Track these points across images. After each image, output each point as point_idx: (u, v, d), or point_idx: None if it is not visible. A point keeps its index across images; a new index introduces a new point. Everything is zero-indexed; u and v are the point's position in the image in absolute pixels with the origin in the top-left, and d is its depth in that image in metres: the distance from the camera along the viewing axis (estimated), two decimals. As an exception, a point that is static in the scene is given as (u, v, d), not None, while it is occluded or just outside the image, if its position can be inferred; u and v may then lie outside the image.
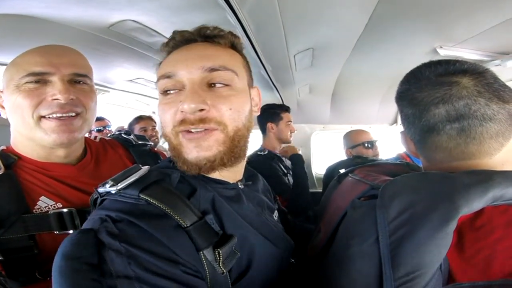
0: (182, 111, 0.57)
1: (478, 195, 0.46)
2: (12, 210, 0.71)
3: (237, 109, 0.60)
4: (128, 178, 0.56)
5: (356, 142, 2.33)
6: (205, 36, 0.63)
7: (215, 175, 0.65)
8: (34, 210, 0.75)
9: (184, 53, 0.61)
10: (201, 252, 0.51)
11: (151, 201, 0.51)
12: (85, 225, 0.50)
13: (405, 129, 0.68)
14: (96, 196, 0.57)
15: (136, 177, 0.56)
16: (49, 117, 0.77)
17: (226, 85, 0.59)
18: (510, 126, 0.56)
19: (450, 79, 0.57)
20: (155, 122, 2.65)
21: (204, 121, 0.57)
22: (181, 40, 0.63)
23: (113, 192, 0.54)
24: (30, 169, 0.80)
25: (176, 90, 0.59)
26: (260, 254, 0.62)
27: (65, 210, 0.77)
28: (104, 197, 0.56)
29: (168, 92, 0.60)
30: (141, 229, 0.48)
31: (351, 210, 0.63)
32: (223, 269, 0.52)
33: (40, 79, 0.76)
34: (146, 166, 0.61)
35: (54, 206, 0.77)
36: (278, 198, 0.98)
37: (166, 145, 3.10)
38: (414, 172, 0.72)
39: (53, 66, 0.76)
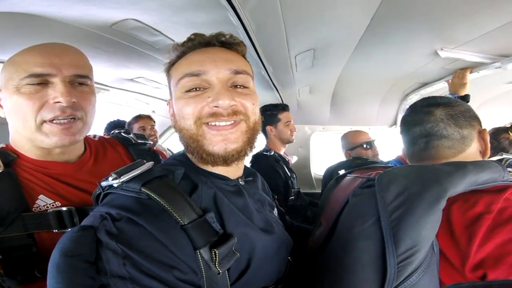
0: (215, 106, 0.62)
1: (459, 179, 0.58)
2: (11, 209, 0.71)
3: (256, 105, 0.69)
4: (132, 172, 0.58)
5: (355, 143, 2.33)
6: (222, 42, 0.69)
7: (219, 170, 0.69)
8: (33, 209, 0.75)
9: (209, 55, 0.66)
10: (198, 251, 0.52)
11: (152, 195, 0.53)
12: (86, 221, 0.51)
13: (403, 142, 0.93)
14: (98, 192, 0.59)
15: (140, 171, 0.58)
16: (51, 122, 0.76)
17: (246, 87, 0.68)
18: (462, 144, 0.79)
19: (427, 109, 0.84)
20: (154, 122, 2.64)
21: (236, 113, 0.64)
22: (200, 42, 0.69)
23: (115, 185, 0.56)
24: (29, 168, 0.80)
25: (201, 88, 0.64)
26: (260, 251, 0.63)
27: (64, 208, 0.77)
28: (107, 191, 0.58)
29: (192, 89, 0.65)
30: (140, 227, 0.49)
31: (353, 198, 0.72)
32: (219, 269, 0.52)
33: (41, 81, 0.75)
34: (150, 162, 0.63)
35: (53, 205, 0.77)
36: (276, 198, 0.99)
37: (165, 145, 3.12)
38: None
39: (54, 67, 0.75)
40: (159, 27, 1.07)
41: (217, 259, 0.52)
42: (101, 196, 0.59)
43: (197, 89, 0.64)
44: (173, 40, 1.18)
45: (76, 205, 0.79)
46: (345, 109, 3.05)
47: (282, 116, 2.22)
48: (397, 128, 3.06)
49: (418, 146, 0.84)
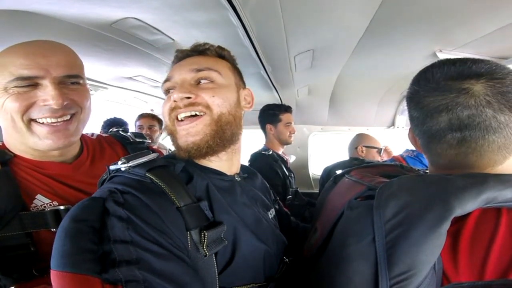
0: (174, 100, 0.70)
1: (472, 197, 0.46)
2: (8, 208, 0.70)
3: (220, 97, 0.71)
4: (139, 159, 0.65)
5: (375, 145, 2.43)
6: (198, 51, 0.78)
7: (212, 164, 0.74)
8: (30, 208, 0.75)
9: (181, 63, 0.76)
10: (189, 232, 0.58)
11: (155, 180, 0.60)
12: (96, 194, 0.58)
13: (412, 128, 0.67)
14: (105, 177, 0.65)
15: (146, 159, 0.65)
16: (40, 122, 0.75)
17: (211, 81, 0.72)
18: None
19: (460, 85, 0.54)
20: (157, 121, 2.63)
21: (193, 105, 0.69)
22: (181, 56, 0.79)
23: (123, 169, 0.62)
24: (26, 167, 0.79)
25: (173, 89, 0.73)
26: (245, 245, 0.66)
27: (62, 207, 0.76)
28: (114, 174, 0.63)
29: (168, 91, 0.75)
30: (143, 202, 0.55)
31: (348, 210, 0.63)
32: (206, 251, 0.57)
33: (30, 83, 0.72)
34: (155, 153, 0.70)
35: (50, 205, 0.77)
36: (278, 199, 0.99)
37: (165, 142, 3.09)
38: (409, 173, 0.74)
39: (41, 68, 0.72)
40: (159, 26, 1.07)
41: (205, 241, 0.57)
42: (108, 178, 0.64)
43: (169, 90, 0.74)
44: (173, 39, 1.18)
45: (73, 204, 0.77)
46: (344, 110, 3.07)
47: (283, 117, 2.23)
48: (395, 129, 3.09)
49: (444, 145, 0.58)
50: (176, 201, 0.59)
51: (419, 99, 0.60)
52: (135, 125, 2.59)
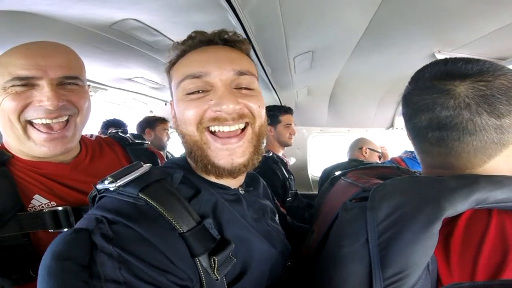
0: (217, 110, 0.59)
1: (463, 198, 0.47)
2: (6, 208, 0.70)
3: (262, 107, 0.64)
4: (129, 175, 0.55)
5: (376, 148, 2.51)
6: (224, 40, 0.65)
7: (220, 180, 0.66)
8: (28, 209, 0.74)
9: (212, 54, 0.62)
10: (196, 258, 0.51)
11: (151, 202, 0.51)
12: (80, 224, 0.49)
13: (405, 125, 0.68)
14: (94, 193, 0.57)
15: (137, 174, 0.56)
16: (36, 124, 0.75)
17: (250, 88, 0.63)
18: (496, 143, 0.53)
19: (443, 85, 0.55)
20: (165, 124, 2.69)
21: (241, 117, 0.60)
22: (201, 41, 0.64)
23: (111, 189, 0.53)
24: (24, 168, 0.79)
25: (203, 90, 0.60)
26: (257, 257, 0.62)
27: (60, 208, 0.76)
28: (103, 194, 0.55)
29: (195, 92, 0.61)
30: (137, 233, 0.48)
31: (343, 212, 0.63)
32: (217, 276, 0.52)
33: (27, 83, 0.73)
34: (148, 164, 0.61)
35: (48, 205, 0.77)
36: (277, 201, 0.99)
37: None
38: (405, 175, 0.75)
39: (39, 69, 0.72)
40: (158, 27, 1.07)
41: (215, 266, 0.51)
42: (97, 198, 0.56)
43: (199, 91, 0.61)
44: (172, 41, 1.18)
45: (72, 205, 0.78)
46: (343, 111, 3.07)
47: (283, 118, 2.22)
48: (394, 130, 3.10)
49: (427, 141, 0.60)
50: (178, 226, 0.51)
51: (409, 97, 0.63)
52: (154, 129, 2.62)
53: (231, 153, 0.60)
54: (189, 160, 0.69)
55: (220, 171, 0.61)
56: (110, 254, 0.45)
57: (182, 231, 0.51)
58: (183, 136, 0.64)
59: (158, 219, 0.50)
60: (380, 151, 2.50)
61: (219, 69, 0.60)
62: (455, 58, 0.58)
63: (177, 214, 0.52)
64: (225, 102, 0.58)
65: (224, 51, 0.64)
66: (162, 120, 2.68)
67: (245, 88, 0.62)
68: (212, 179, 0.66)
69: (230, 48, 0.65)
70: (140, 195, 0.51)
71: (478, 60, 0.56)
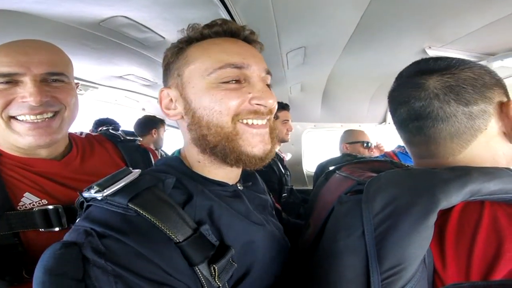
0: (258, 104, 0.60)
1: (457, 189, 0.48)
2: None
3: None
4: (117, 184, 0.52)
5: (357, 139, 2.43)
6: (244, 36, 0.65)
7: (219, 176, 0.65)
8: (18, 207, 0.73)
9: (246, 48, 0.63)
10: (195, 267, 0.50)
11: (142, 213, 0.48)
12: (69, 237, 0.47)
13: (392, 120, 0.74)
14: (82, 200, 0.54)
15: (126, 182, 0.53)
16: (20, 119, 0.74)
17: (270, 85, 0.66)
18: (469, 129, 0.57)
19: (416, 80, 0.62)
20: (164, 125, 2.85)
21: (270, 112, 0.63)
22: (227, 31, 0.63)
23: (99, 198, 0.50)
24: (13, 165, 0.77)
25: (239, 81, 0.60)
26: (260, 257, 0.62)
27: (50, 207, 0.75)
28: (90, 203, 0.52)
29: (231, 81, 0.59)
30: (129, 247, 0.45)
31: (338, 205, 0.64)
32: (218, 283, 0.51)
33: (10, 80, 0.72)
34: (137, 170, 0.58)
35: (39, 203, 0.75)
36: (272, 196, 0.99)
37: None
38: (398, 168, 0.75)
39: (21, 66, 0.72)
40: (148, 24, 1.06)
41: (216, 274, 0.50)
42: (85, 206, 0.53)
43: (233, 81, 0.59)
44: (163, 37, 1.17)
45: (63, 203, 0.77)
46: (336, 106, 3.09)
47: (281, 114, 2.23)
48: (387, 125, 3.13)
49: (409, 132, 0.65)
50: (174, 237, 0.48)
51: (392, 94, 0.70)
52: (159, 129, 2.76)
53: (262, 140, 0.61)
54: (199, 156, 0.66)
55: (253, 160, 0.60)
56: (104, 269, 0.43)
57: (178, 241, 0.49)
58: (207, 128, 0.60)
59: (151, 231, 0.48)
60: (361, 139, 2.43)
61: (256, 64, 0.61)
62: (427, 58, 0.65)
63: (172, 223, 0.49)
64: (267, 97, 0.60)
65: (252, 47, 0.65)
66: (162, 121, 2.84)
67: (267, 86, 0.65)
68: (208, 175, 0.65)
69: (251, 46, 0.66)
70: (130, 205, 0.48)
71: (447, 58, 0.62)
